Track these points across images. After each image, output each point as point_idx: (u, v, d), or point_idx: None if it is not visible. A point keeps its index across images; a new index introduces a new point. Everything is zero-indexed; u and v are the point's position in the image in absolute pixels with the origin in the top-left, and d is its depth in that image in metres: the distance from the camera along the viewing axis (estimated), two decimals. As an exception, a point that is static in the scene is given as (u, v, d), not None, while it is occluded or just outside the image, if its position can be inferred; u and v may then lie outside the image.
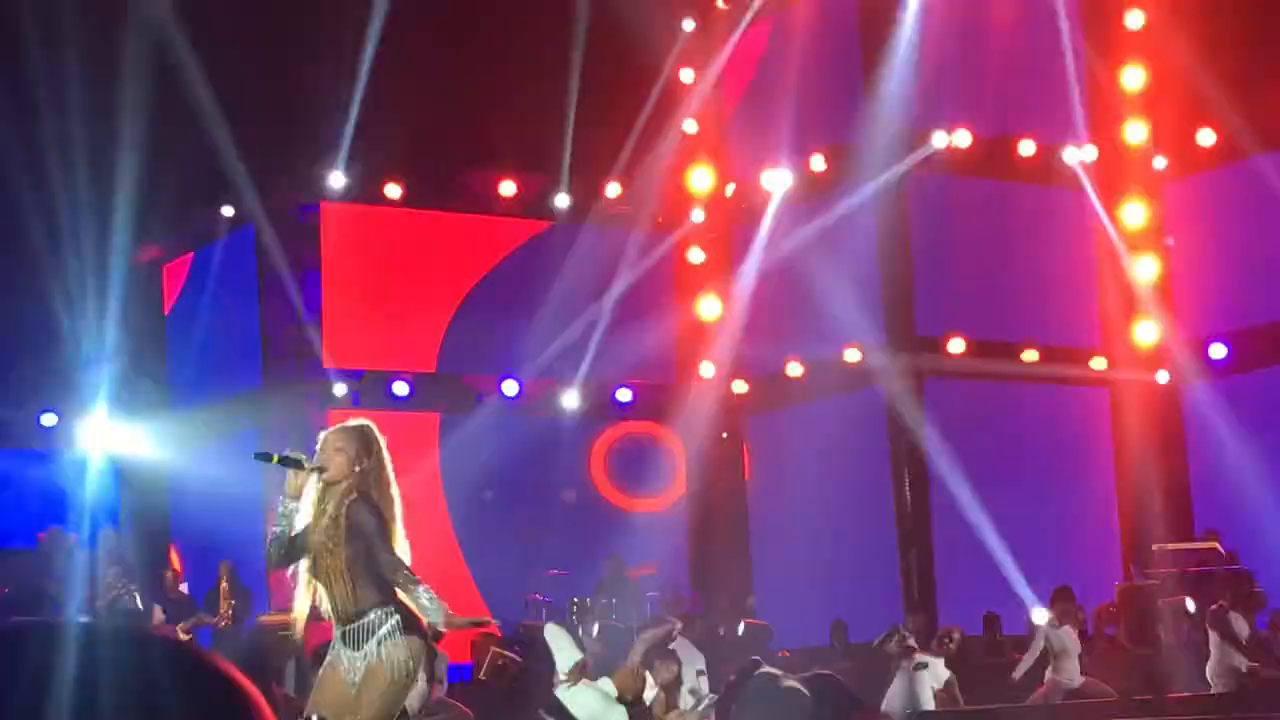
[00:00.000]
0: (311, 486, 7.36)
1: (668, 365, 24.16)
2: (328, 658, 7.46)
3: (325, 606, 7.43)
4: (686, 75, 24.22)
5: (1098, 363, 22.15)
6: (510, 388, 22.63)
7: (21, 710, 1.17)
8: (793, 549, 22.15)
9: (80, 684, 1.19)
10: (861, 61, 21.87)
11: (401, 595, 7.36)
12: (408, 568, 7.44)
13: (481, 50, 21.94)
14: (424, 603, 7.30)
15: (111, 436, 23.19)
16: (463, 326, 22.43)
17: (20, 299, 21.93)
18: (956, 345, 21.21)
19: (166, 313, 24.22)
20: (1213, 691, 14.83)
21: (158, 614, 17.58)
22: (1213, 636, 15.24)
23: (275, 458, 7.30)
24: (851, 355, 21.45)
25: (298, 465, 7.28)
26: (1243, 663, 15.04)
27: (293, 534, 7.35)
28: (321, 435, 7.52)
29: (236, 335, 22.63)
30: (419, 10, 21.30)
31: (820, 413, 22.26)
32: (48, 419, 22.72)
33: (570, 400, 23.01)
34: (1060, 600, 16.15)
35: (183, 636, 17.30)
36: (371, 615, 7.29)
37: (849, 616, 19.41)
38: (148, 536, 23.40)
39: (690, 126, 24.22)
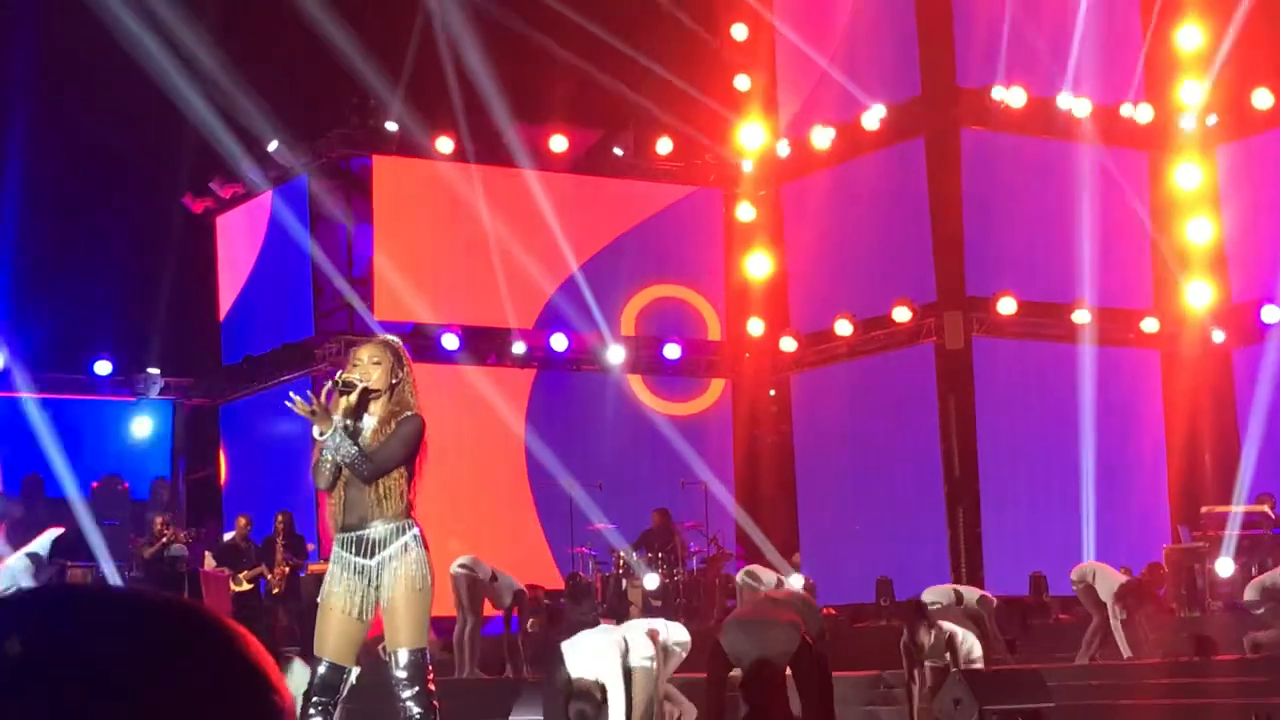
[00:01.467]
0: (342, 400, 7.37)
1: (716, 321, 24.23)
2: (325, 584, 7.39)
3: (341, 514, 7.40)
4: (739, 31, 24.18)
5: (1149, 324, 22.05)
6: (559, 342, 22.71)
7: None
8: (839, 507, 22.20)
9: (53, 657, 1.14)
10: (916, 16, 21.76)
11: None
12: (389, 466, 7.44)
13: (533, 5, 21.92)
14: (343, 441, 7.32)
15: (164, 385, 23.40)
16: (512, 282, 22.49)
17: (78, 247, 22.12)
18: (1007, 305, 21.14)
19: (219, 262, 24.38)
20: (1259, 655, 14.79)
21: (209, 560, 17.78)
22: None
23: (340, 390, 7.29)
24: (901, 314, 21.41)
25: (352, 389, 7.30)
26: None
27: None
28: (356, 350, 7.48)
29: (288, 286, 22.78)
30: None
31: (869, 370, 22.27)
32: (101, 366, 22.92)
33: (616, 356, 23.08)
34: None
35: (244, 585, 17.50)
36: (393, 524, 7.31)
37: (895, 575, 19.44)
38: (201, 482, 23.64)
39: (742, 83, 24.18)
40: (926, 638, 12.61)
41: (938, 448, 21.15)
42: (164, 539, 17.94)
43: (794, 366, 23.51)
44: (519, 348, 22.53)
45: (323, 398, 7.29)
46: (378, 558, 7.25)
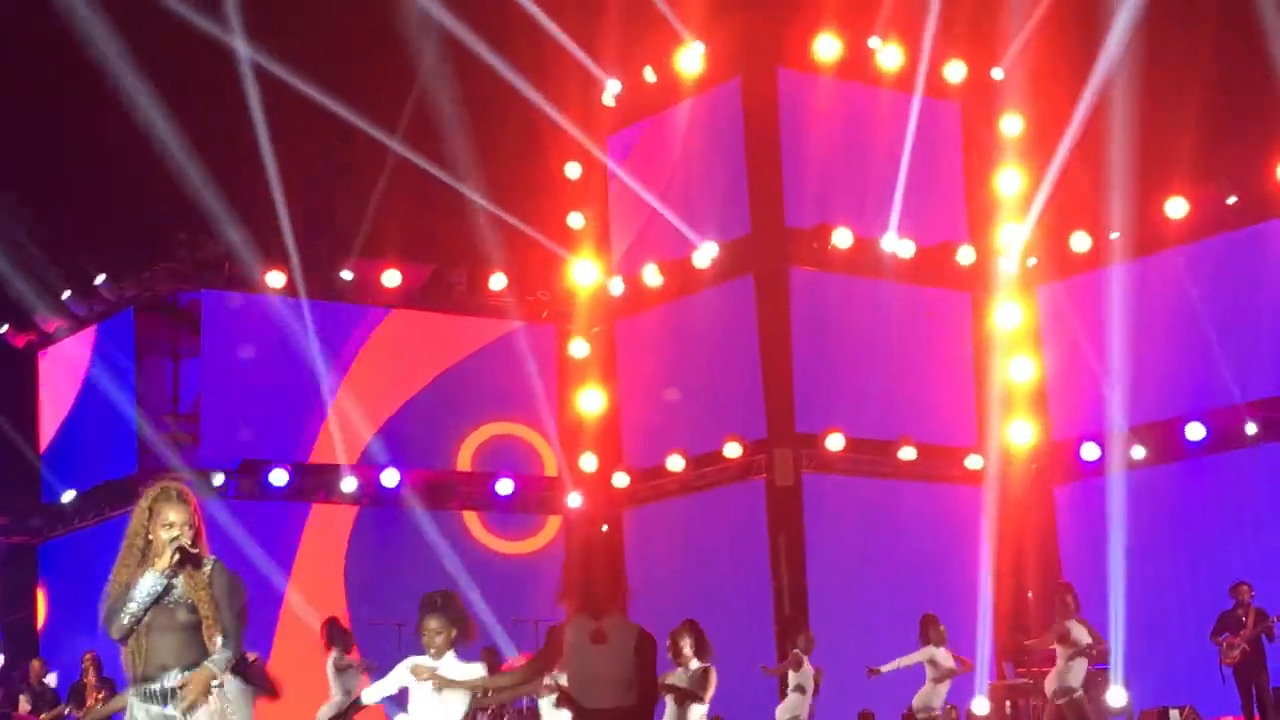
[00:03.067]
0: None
1: (550, 457, 24.21)
2: None
3: (139, 664, 7.38)
4: (572, 169, 24.42)
5: (973, 461, 22.43)
6: (390, 478, 22.51)
7: None
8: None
9: None
10: (745, 157, 22.14)
11: (220, 651, 7.37)
12: (239, 643, 7.50)
13: (368, 141, 21.98)
14: (219, 657, 7.36)
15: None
16: (344, 416, 22.30)
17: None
18: (836, 441, 21.40)
19: (40, 397, 23.89)
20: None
21: (23, 704, 17.25)
22: None
23: (177, 556, 7.29)
24: (732, 450, 21.57)
25: (186, 554, 7.30)
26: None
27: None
28: (146, 505, 7.47)
29: (112, 421, 22.35)
30: (305, 106, 21.32)
31: (701, 506, 22.35)
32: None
33: (449, 492, 22.96)
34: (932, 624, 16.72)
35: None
36: (186, 673, 7.31)
37: (727, 712, 19.38)
38: (17, 623, 23.00)
39: (575, 220, 24.39)
40: None
41: (769, 584, 21.23)
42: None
43: (627, 502, 23.53)
44: (348, 484, 22.29)
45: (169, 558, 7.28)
46: (176, 706, 7.23)
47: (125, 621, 7.27)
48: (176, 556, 7.18)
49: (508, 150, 23.10)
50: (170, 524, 7.35)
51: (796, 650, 16.37)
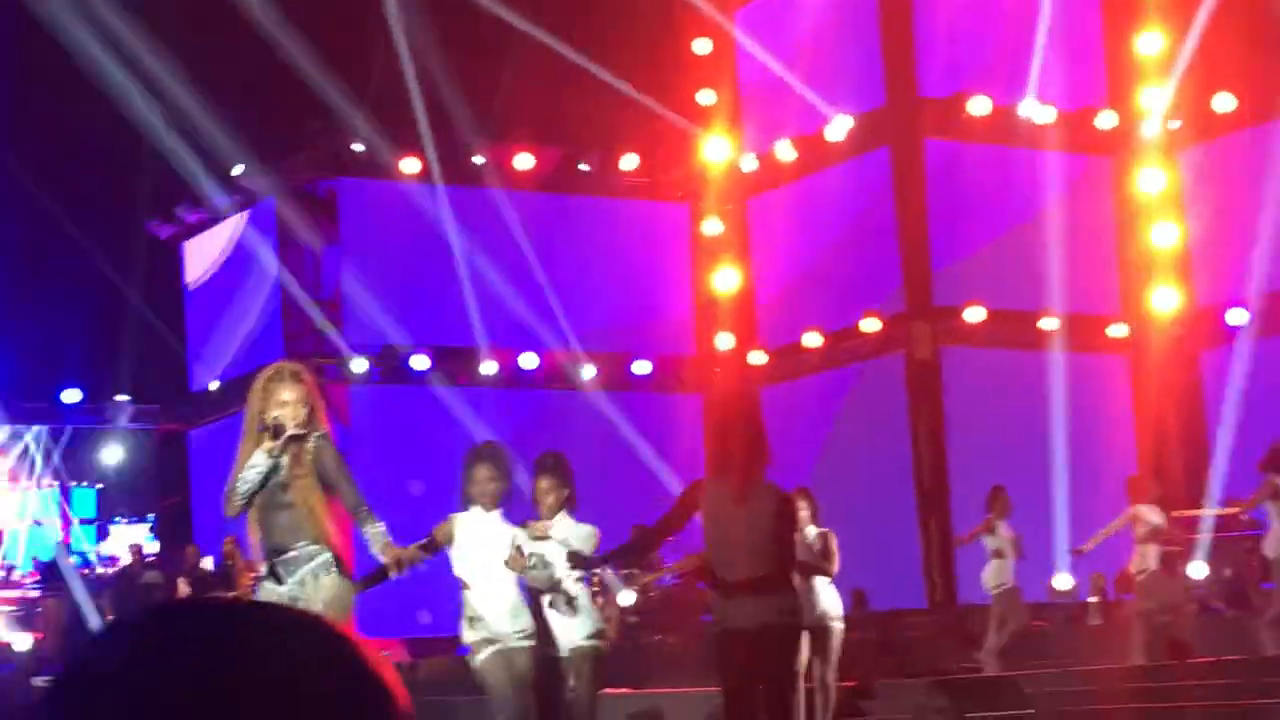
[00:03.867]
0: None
1: (685, 337, 24.26)
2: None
3: (262, 540, 7.53)
4: (702, 46, 24.23)
5: (1116, 329, 22.14)
6: (529, 360, 22.71)
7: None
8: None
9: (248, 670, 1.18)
10: (879, 27, 21.84)
11: (363, 527, 7.48)
12: (366, 503, 7.60)
13: (497, 24, 21.92)
14: (374, 533, 7.45)
15: (133, 412, 23.32)
16: (480, 300, 22.47)
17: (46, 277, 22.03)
18: (975, 314, 21.21)
19: (186, 288, 24.30)
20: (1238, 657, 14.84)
21: (183, 587, 17.72)
22: None
23: (284, 438, 7.40)
24: (869, 325, 21.46)
25: (282, 433, 7.41)
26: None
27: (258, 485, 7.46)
28: (261, 386, 7.56)
29: (256, 311, 22.72)
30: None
31: (838, 382, 22.31)
32: (70, 394, 22.82)
33: (587, 373, 23.08)
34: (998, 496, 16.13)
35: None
36: (307, 548, 7.42)
37: (870, 585, 19.44)
38: (171, 510, 23.58)
39: (706, 97, 24.23)
40: None
41: (909, 458, 21.18)
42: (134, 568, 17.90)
43: (763, 380, 23.52)
44: (488, 367, 22.50)
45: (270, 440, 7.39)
46: (290, 582, 7.36)
47: (237, 501, 7.43)
48: (279, 436, 7.28)
49: (637, 28, 22.93)
50: (283, 403, 7.44)
51: (990, 515, 16.01)
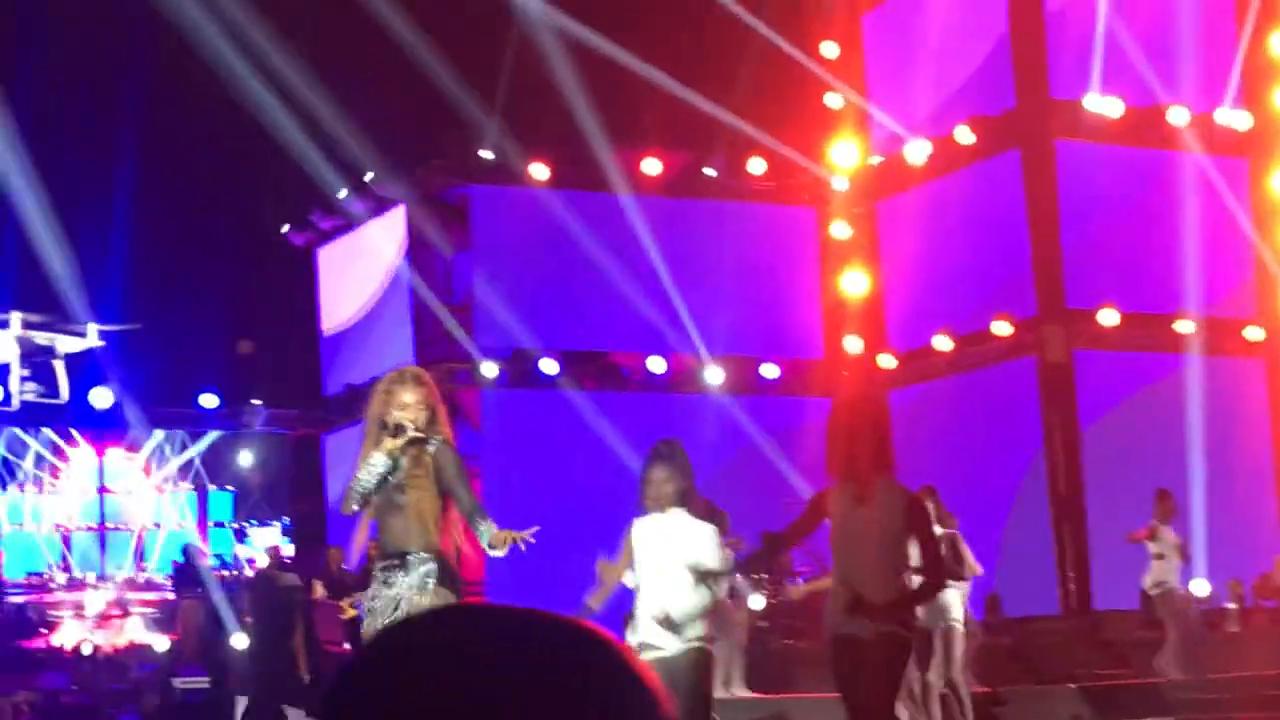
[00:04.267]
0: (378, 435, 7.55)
1: (813, 340, 24.22)
2: (368, 606, 7.57)
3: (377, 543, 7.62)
4: (829, 49, 24.18)
5: (1253, 332, 21.79)
6: (656, 364, 22.78)
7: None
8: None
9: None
10: (1009, 28, 21.67)
11: (476, 528, 7.51)
12: (484, 510, 7.63)
13: (625, 30, 22.03)
14: (484, 529, 7.48)
15: (268, 416, 23.67)
16: (609, 305, 22.57)
17: (185, 284, 22.43)
18: (1109, 317, 20.97)
19: (320, 294, 24.64)
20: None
21: (318, 590, 17.94)
22: None
23: (404, 440, 7.47)
24: (1001, 328, 21.30)
25: (403, 433, 7.49)
26: None
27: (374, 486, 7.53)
28: (383, 388, 7.63)
29: (388, 315, 23.00)
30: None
31: (968, 386, 22.15)
32: (208, 399, 23.21)
33: (715, 376, 23.10)
34: (1163, 500, 15.93)
35: (350, 613, 17.64)
36: (416, 555, 7.48)
37: (1003, 590, 19.30)
38: (306, 513, 23.90)
39: (834, 100, 24.17)
40: None
41: (1041, 463, 20.99)
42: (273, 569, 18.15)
43: (892, 383, 23.42)
44: (618, 372, 22.60)
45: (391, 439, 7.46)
46: (396, 588, 7.43)
47: (352, 500, 7.51)
48: (399, 436, 7.35)
49: (764, 33, 22.93)
50: (404, 405, 7.52)
51: (1153, 521, 15.83)
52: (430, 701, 1.17)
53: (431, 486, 7.50)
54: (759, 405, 23.52)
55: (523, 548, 7.41)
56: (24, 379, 22.38)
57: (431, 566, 7.48)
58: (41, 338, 22.63)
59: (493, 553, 7.52)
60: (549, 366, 22.23)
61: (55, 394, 22.64)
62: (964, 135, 21.96)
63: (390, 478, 7.50)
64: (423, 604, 7.37)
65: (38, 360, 22.64)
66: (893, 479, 7.97)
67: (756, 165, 23.85)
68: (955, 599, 12.17)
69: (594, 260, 22.52)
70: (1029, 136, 21.42)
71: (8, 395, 22.16)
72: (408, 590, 7.48)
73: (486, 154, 22.19)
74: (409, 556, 7.50)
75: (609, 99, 22.40)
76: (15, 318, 22.59)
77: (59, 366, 22.63)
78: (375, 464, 7.50)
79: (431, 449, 7.51)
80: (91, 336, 22.85)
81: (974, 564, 12.77)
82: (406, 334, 22.50)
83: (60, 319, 22.59)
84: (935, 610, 11.83)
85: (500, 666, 1.20)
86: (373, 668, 1.22)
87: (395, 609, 7.46)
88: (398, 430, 7.43)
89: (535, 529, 7.44)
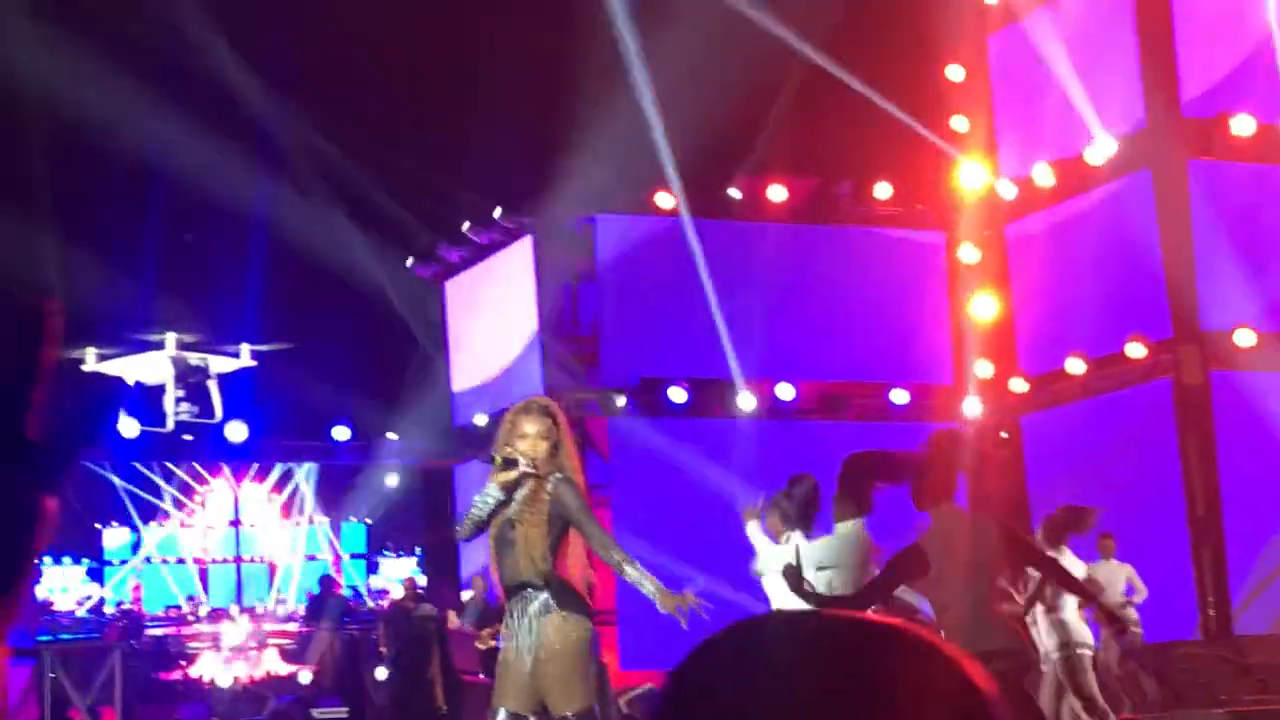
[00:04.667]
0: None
1: (942, 366, 24.03)
2: (502, 642, 7.61)
3: (500, 576, 7.63)
4: (955, 73, 24.02)
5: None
6: (785, 391, 22.70)
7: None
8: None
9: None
10: (1138, 48, 21.42)
11: (626, 570, 7.48)
12: (617, 544, 7.61)
13: (751, 55, 22.01)
14: (636, 578, 7.44)
15: (399, 449, 23.88)
16: (736, 332, 22.54)
17: (315, 317, 22.69)
18: (1246, 337, 20.61)
19: (448, 327, 24.83)
20: None
21: (454, 619, 18.07)
22: None
23: (515, 471, 7.47)
24: (1135, 350, 21.00)
25: (514, 467, 7.49)
26: None
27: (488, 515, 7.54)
28: (508, 419, 7.63)
29: (516, 346, 23.12)
30: (684, 21, 21.47)
31: (1102, 409, 21.85)
32: (339, 432, 23.46)
33: (843, 403, 22.99)
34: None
35: (489, 643, 17.75)
36: (529, 590, 7.46)
37: (1141, 616, 18.97)
38: (436, 544, 24.06)
39: (960, 124, 24.00)
40: None
41: (1178, 486, 20.65)
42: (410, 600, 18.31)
43: (1024, 408, 23.17)
44: (745, 399, 22.54)
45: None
46: (524, 619, 7.43)
47: (462, 529, 7.54)
48: (510, 470, 7.34)
49: (888, 57, 22.84)
50: (524, 435, 7.51)
51: None
52: (781, 686, 1.19)
53: (543, 523, 7.52)
54: (889, 432, 23.31)
55: (694, 614, 7.45)
56: (178, 400, 22.78)
57: (545, 597, 7.50)
58: (195, 358, 23.02)
59: (659, 607, 7.54)
60: (677, 395, 22.22)
61: (210, 414, 23.03)
62: (1093, 156, 21.71)
63: (502, 511, 7.53)
64: (547, 631, 7.38)
65: (191, 382, 23.02)
66: (979, 509, 8.03)
67: (883, 190, 23.73)
68: (1078, 622, 11.95)
69: (719, 287, 22.50)
70: (1160, 156, 21.13)
71: (162, 416, 22.55)
72: (530, 626, 7.52)
73: (610, 183, 22.25)
74: (526, 590, 7.53)
75: (735, 126, 22.40)
76: (170, 339, 23.00)
77: (212, 386, 23.00)
78: (488, 495, 7.54)
79: (549, 486, 7.51)
80: (244, 356, 23.26)
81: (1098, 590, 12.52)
82: (535, 364, 22.61)
83: (212, 340, 22.99)
84: (1056, 634, 11.65)
85: (846, 674, 1.21)
86: (726, 652, 1.24)
87: (529, 635, 7.50)
88: (509, 463, 7.46)
89: (701, 602, 7.49)
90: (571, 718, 7.46)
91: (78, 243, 20.15)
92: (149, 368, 22.80)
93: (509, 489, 7.51)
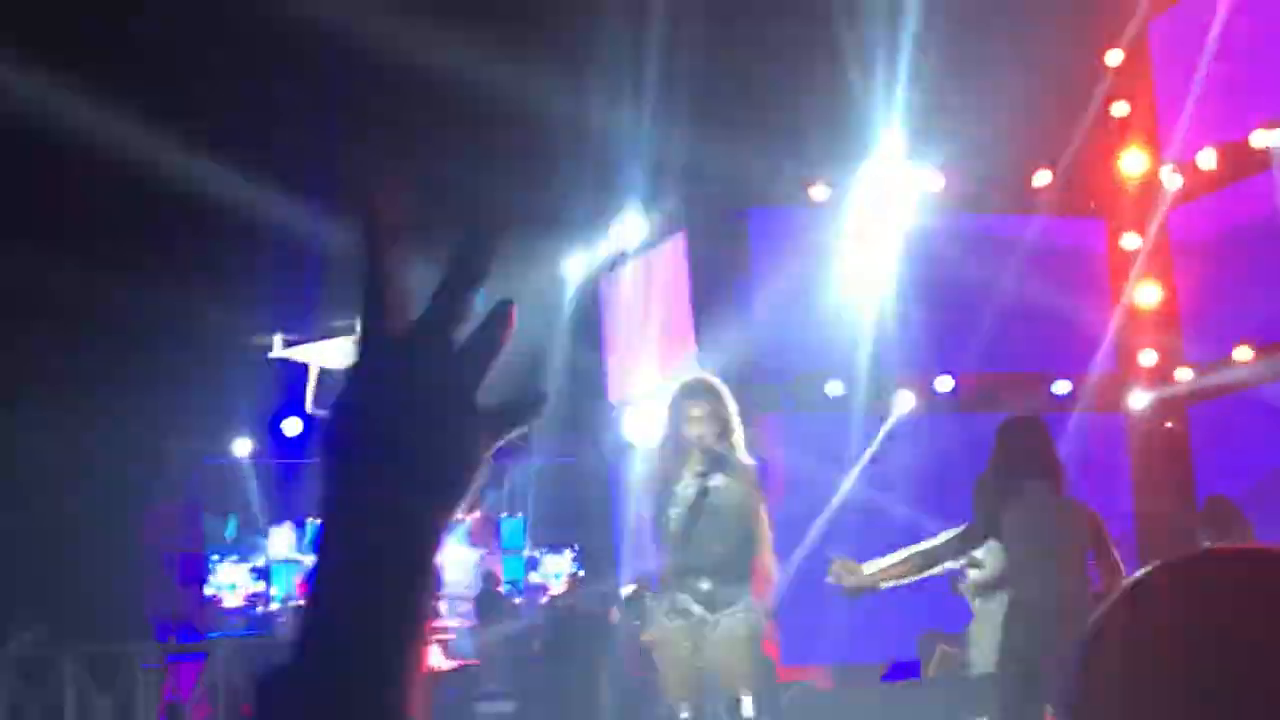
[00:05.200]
0: (679, 449, 7.44)
1: (1105, 355, 23.58)
2: (657, 634, 7.45)
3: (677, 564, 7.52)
4: (1114, 57, 23.57)
5: None
6: (944, 384, 22.42)
7: None
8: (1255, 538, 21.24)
9: None
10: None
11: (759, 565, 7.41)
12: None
13: (906, 45, 21.77)
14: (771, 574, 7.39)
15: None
16: (894, 324, 22.31)
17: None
18: None
19: (603, 323, 24.89)
20: None
21: (614, 615, 18.05)
22: None
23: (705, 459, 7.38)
24: (1308, 337, 20.47)
25: (712, 455, 7.40)
26: None
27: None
28: (673, 404, 7.49)
29: (671, 341, 23.09)
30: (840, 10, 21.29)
31: (1273, 397, 21.32)
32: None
33: (1004, 395, 22.61)
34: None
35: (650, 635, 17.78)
36: (721, 578, 7.35)
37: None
38: (594, 542, 24.15)
39: (1120, 109, 23.54)
40: None
41: (1354, 475, 20.11)
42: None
43: (1190, 397, 22.68)
44: (904, 394, 22.30)
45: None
46: (708, 610, 7.32)
47: (671, 526, 7.41)
48: (701, 459, 7.24)
49: (1047, 42, 22.45)
50: (691, 418, 7.38)
51: None
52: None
53: (735, 508, 7.45)
54: (1052, 423, 22.90)
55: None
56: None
57: (732, 587, 7.44)
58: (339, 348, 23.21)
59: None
60: (833, 389, 22.04)
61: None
62: (1259, 139, 21.18)
63: (691, 499, 7.46)
64: (736, 628, 7.31)
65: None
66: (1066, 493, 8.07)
67: (1042, 177, 23.34)
68: None
69: (874, 280, 22.29)
70: (1330, 136, 20.57)
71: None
72: (718, 613, 7.44)
73: (768, 174, 22.13)
74: (710, 580, 7.44)
75: (889, 112, 22.16)
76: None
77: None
78: (685, 486, 7.46)
79: (734, 475, 7.44)
80: None
81: None
82: (690, 359, 22.54)
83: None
84: None
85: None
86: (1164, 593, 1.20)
87: (712, 627, 7.43)
88: (699, 450, 7.38)
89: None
90: (743, 706, 7.41)
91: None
92: (335, 354, 22.97)
93: (699, 479, 7.45)
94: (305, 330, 22.84)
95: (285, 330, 23.17)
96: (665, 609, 7.53)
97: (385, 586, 1.27)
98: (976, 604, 10.97)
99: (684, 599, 7.42)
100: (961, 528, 8.32)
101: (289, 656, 1.26)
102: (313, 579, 1.30)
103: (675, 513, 7.40)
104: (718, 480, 7.37)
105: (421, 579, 1.29)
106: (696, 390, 7.54)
